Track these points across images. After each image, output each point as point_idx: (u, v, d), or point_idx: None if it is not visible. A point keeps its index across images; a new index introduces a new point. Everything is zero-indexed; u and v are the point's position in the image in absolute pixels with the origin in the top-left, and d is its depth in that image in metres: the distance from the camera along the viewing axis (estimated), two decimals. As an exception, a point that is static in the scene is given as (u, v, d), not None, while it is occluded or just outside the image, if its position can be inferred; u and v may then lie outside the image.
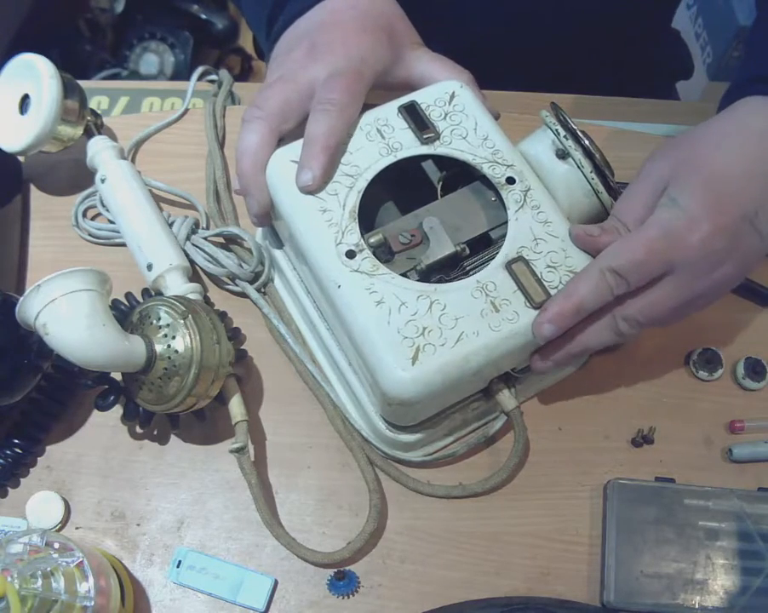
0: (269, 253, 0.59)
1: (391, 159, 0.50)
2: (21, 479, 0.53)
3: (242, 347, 0.56)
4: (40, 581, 0.41)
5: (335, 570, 0.49)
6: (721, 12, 1.44)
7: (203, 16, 1.43)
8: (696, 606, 0.48)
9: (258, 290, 0.58)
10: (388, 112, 0.52)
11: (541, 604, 0.49)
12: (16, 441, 0.52)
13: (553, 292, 0.46)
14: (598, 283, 0.45)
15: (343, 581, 0.49)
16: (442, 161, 0.53)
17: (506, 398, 0.51)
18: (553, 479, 0.53)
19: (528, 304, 0.46)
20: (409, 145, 0.51)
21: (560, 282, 0.46)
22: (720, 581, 0.49)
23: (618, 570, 0.49)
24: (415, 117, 0.52)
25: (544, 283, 0.46)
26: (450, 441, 0.54)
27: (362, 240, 0.47)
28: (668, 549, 0.49)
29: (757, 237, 0.46)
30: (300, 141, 0.50)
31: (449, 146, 0.51)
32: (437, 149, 0.51)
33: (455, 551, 0.51)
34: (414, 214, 0.50)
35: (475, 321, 0.45)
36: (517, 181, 0.50)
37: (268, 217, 0.54)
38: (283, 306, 0.58)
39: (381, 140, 0.51)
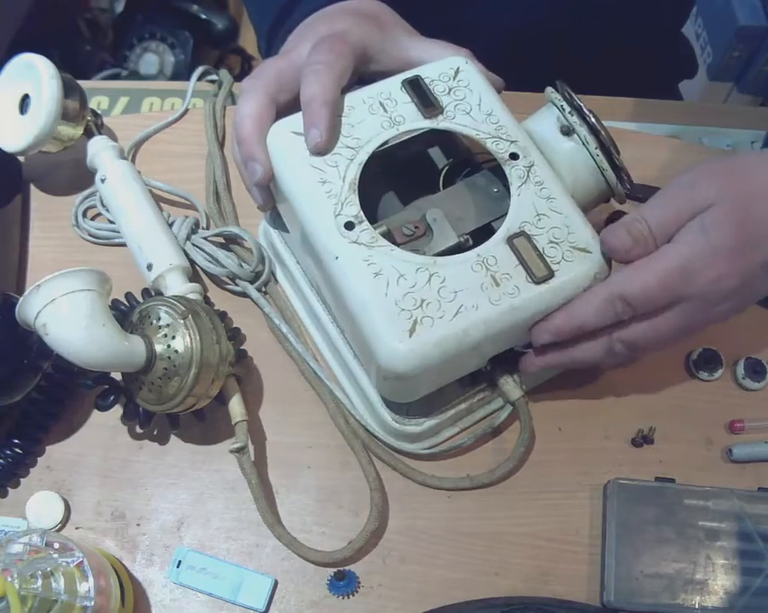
0: (271, 249, 0.59)
1: (393, 132, 0.50)
2: (21, 479, 0.53)
3: (242, 347, 0.56)
4: (40, 581, 0.41)
5: (335, 570, 0.49)
6: (721, 12, 1.44)
7: (203, 16, 1.43)
8: (696, 606, 0.48)
9: (259, 290, 0.58)
10: (391, 87, 0.52)
11: (541, 604, 0.48)
12: (16, 441, 0.52)
13: (555, 267, 0.45)
14: (605, 309, 0.45)
15: (343, 581, 0.49)
16: (448, 148, 0.53)
17: (511, 387, 0.51)
18: (553, 479, 0.53)
19: (529, 279, 0.45)
20: (411, 118, 0.50)
21: (563, 257, 0.46)
22: (720, 581, 0.49)
23: (618, 570, 0.49)
24: (419, 92, 0.51)
25: (546, 258, 0.46)
26: (456, 432, 0.54)
27: (361, 212, 0.47)
28: (668, 549, 0.49)
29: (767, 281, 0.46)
30: (299, 114, 0.50)
31: (453, 120, 0.51)
32: (440, 123, 0.50)
33: (455, 551, 0.51)
34: (416, 207, 0.50)
35: (475, 294, 0.45)
36: (520, 157, 0.49)
37: (270, 193, 0.53)
38: (286, 302, 0.58)
39: (384, 113, 0.50)
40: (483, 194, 0.51)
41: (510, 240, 0.46)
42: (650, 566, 0.49)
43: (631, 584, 0.49)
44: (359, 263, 0.45)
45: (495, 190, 0.51)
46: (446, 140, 0.54)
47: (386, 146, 0.51)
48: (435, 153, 0.55)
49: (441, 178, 0.53)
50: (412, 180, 0.53)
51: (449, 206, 0.50)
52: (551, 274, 0.45)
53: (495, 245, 0.46)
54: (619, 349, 0.47)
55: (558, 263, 0.46)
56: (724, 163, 0.48)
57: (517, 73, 0.59)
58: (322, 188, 0.48)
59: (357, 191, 0.48)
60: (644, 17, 0.76)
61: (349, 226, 0.46)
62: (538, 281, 0.45)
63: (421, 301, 0.44)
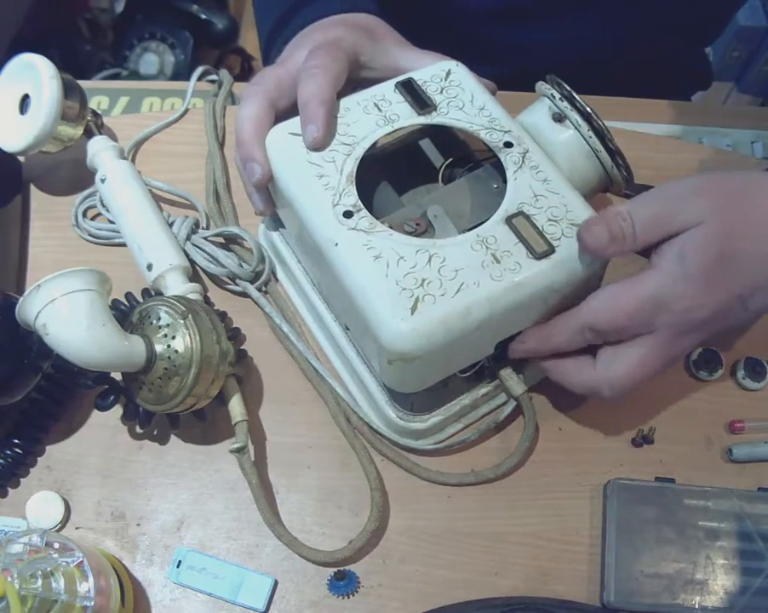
0: (272, 248, 0.59)
1: (388, 129, 0.51)
2: (21, 479, 0.53)
3: (242, 347, 0.56)
4: (40, 581, 0.41)
5: (336, 569, 0.49)
6: (721, 12, 1.44)
7: (203, 16, 1.43)
8: (696, 606, 0.48)
9: (259, 289, 0.58)
10: (385, 89, 0.53)
11: (541, 604, 0.48)
12: (16, 441, 0.52)
13: (555, 243, 0.45)
14: (575, 337, 0.46)
15: (343, 582, 0.49)
16: (440, 141, 0.53)
17: (514, 383, 0.51)
18: (553, 479, 0.53)
19: (530, 255, 0.45)
20: (406, 116, 0.51)
21: (562, 233, 0.46)
22: (720, 581, 0.49)
23: (618, 570, 0.49)
24: (412, 92, 0.52)
25: (545, 234, 0.46)
26: (460, 428, 0.54)
27: (359, 202, 0.47)
28: (668, 549, 0.49)
29: (743, 313, 0.45)
30: (297, 117, 0.51)
31: (446, 115, 0.51)
32: (433, 119, 0.51)
33: (456, 551, 0.51)
34: (417, 203, 0.51)
35: (476, 272, 0.44)
36: (515, 145, 0.50)
37: (270, 197, 0.54)
38: (286, 301, 0.58)
39: (378, 112, 0.51)
40: (483, 190, 0.51)
41: (509, 220, 0.46)
42: (650, 566, 0.49)
43: (631, 584, 0.49)
44: (359, 248, 0.46)
45: (495, 186, 0.51)
46: (442, 136, 0.55)
47: (382, 142, 0.51)
48: (428, 147, 0.55)
49: (440, 174, 0.53)
50: (408, 173, 0.53)
51: (450, 202, 0.50)
52: (551, 249, 0.45)
53: (493, 225, 0.46)
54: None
55: (559, 239, 0.46)
56: (722, 182, 0.46)
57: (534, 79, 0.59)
58: (319, 182, 0.48)
59: (354, 183, 0.48)
60: (677, 42, 0.77)
61: (347, 214, 0.47)
62: (539, 256, 0.45)
63: (422, 281, 0.44)
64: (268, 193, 0.54)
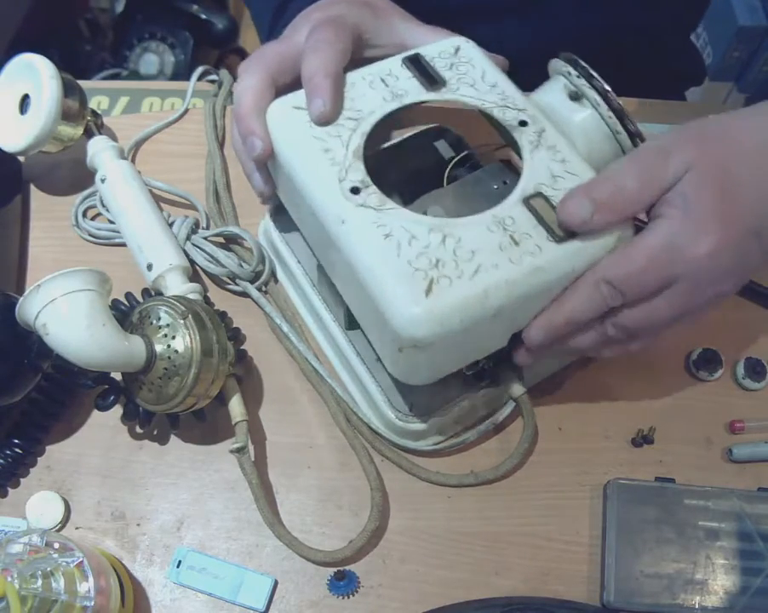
0: (272, 248, 0.59)
1: (396, 105, 0.49)
2: (21, 479, 0.53)
3: (242, 347, 0.56)
4: (40, 581, 0.41)
5: (336, 569, 0.49)
6: (721, 12, 1.44)
7: (203, 16, 1.43)
8: (696, 606, 0.48)
9: (259, 289, 0.58)
10: (392, 64, 0.51)
11: (541, 604, 0.48)
12: (16, 441, 0.52)
13: None
14: (591, 295, 0.43)
15: (343, 582, 0.49)
16: (452, 143, 0.53)
17: (514, 383, 0.51)
18: (553, 479, 0.53)
19: (550, 238, 0.43)
20: (414, 92, 0.50)
21: None
22: (720, 581, 0.49)
23: (618, 570, 0.49)
24: (420, 68, 0.50)
25: None
26: (459, 429, 0.54)
27: (368, 177, 0.45)
28: (668, 549, 0.49)
29: (759, 252, 0.44)
30: (300, 92, 0.49)
31: (457, 92, 0.49)
32: (444, 95, 0.49)
33: (455, 551, 0.51)
34: (418, 204, 0.50)
35: (493, 254, 0.42)
36: (530, 124, 0.48)
37: (271, 177, 0.52)
38: (286, 301, 0.58)
39: (385, 87, 0.50)
40: (483, 191, 0.51)
41: (527, 201, 0.44)
42: (650, 566, 0.49)
43: (631, 584, 0.49)
44: (368, 226, 0.43)
45: (496, 186, 0.51)
46: (451, 140, 0.54)
47: (394, 141, 0.50)
48: (445, 146, 0.54)
49: (445, 175, 0.53)
50: (416, 179, 0.52)
51: (451, 203, 0.50)
52: (573, 232, 0.43)
53: (511, 206, 0.44)
54: (612, 332, 0.45)
55: None
56: (696, 126, 0.45)
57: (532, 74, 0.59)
58: (325, 156, 0.46)
59: (362, 159, 0.46)
60: (655, 27, 0.76)
61: (355, 190, 0.45)
62: (560, 239, 0.43)
63: (436, 261, 0.41)
64: (269, 172, 0.52)
